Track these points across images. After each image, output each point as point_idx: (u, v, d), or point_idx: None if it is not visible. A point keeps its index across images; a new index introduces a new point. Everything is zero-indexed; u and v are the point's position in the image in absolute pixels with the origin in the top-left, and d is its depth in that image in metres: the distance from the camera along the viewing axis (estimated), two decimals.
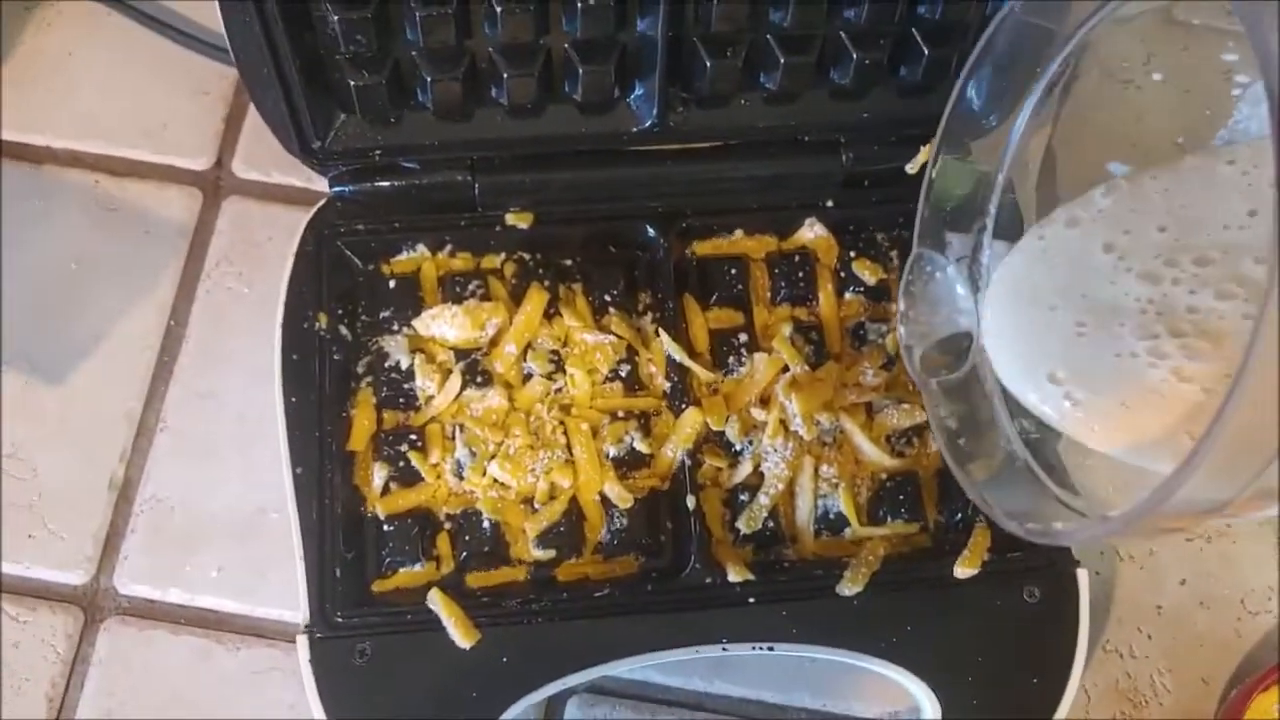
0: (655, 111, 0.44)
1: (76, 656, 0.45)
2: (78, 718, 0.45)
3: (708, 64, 0.42)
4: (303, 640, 0.40)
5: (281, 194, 0.52)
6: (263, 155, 0.52)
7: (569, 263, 0.46)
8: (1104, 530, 0.31)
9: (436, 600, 0.40)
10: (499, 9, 0.39)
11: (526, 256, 0.46)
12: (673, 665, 0.45)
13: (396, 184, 0.45)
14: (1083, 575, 0.42)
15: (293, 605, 0.45)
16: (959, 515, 0.44)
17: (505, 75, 0.42)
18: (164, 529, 0.47)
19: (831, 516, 0.44)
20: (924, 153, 0.45)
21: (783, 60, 0.42)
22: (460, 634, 0.40)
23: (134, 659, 0.45)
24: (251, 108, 0.53)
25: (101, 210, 0.51)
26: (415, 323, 0.44)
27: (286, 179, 0.52)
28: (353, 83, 0.41)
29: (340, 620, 0.41)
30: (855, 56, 0.42)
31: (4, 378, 0.48)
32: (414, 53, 0.41)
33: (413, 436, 0.43)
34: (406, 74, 0.42)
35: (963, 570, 0.42)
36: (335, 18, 0.39)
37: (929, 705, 0.41)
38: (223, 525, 0.47)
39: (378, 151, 0.44)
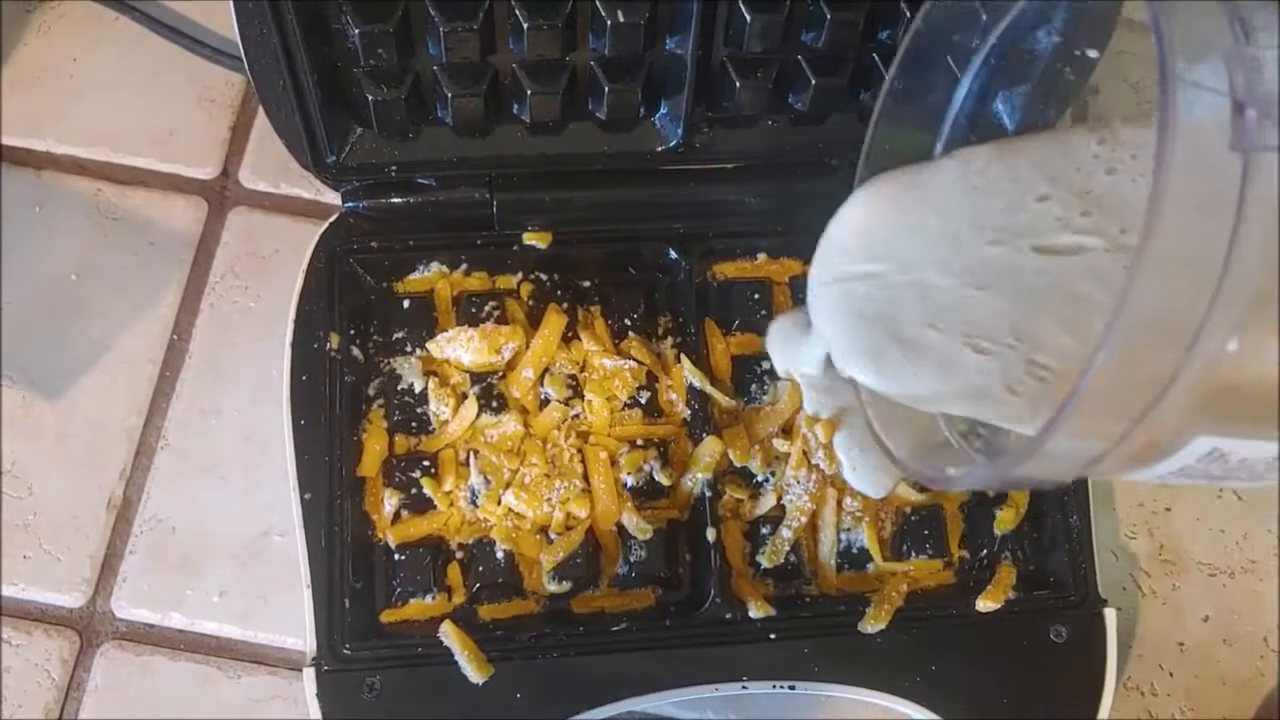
0: (680, 131, 0.43)
1: (71, 682, 0.44)
2: None
3: (737, 84, 0.41)
4: (309, 673, 0.39)
5: (289, 206, 0.51)
6: (270, 166, 0.51)
7: (587, 284, 0.45)
8: (988, 472, 0.31)
9: (449, 633, 0.39)
10: (526, 25, 0.38)
11: (544, 277, 0.45)
12: (687, 700, 0.44)
13: (412, 200, 0.44)
14: (1110, 615, 0.42)
15: (297, 632, 0.44)
16: (984, 551, 0.43)
17: (529, 92, 0.40)
18: (164, 551, 0.45)
19: (854, 551, 0.42)
20: None
21: (814, 81, 0.41)
22: (473, 668, 0.39)
23: (131, 685, 0.44)
24: (260, 116, 0.52)
25: (104, 219, 0.50)
26: (429, 345, 0.43)
27: (295, 190, 0.51)
28: (371, 97, 0.40)
29: (348, 653, 0.39)
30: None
31: (2, 391, 0.47)
32: (435, 68, 0.40)
33: (425, 463, 0.42)
34: (426, 89, 0.41)
35: (985, 604, 0.41)
36: (356, 31, 0.38)
37: None
38: (225, 548, 0.45)
39: (393, 167, 0.43)
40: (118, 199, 0.50)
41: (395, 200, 0.44)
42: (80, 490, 0.46)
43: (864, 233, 0.36)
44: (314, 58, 0.38)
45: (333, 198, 0.50)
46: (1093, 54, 0.37)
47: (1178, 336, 0.23)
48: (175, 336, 0.48)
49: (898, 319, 0.34)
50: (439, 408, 0.42)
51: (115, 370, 0.48)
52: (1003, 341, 0.33)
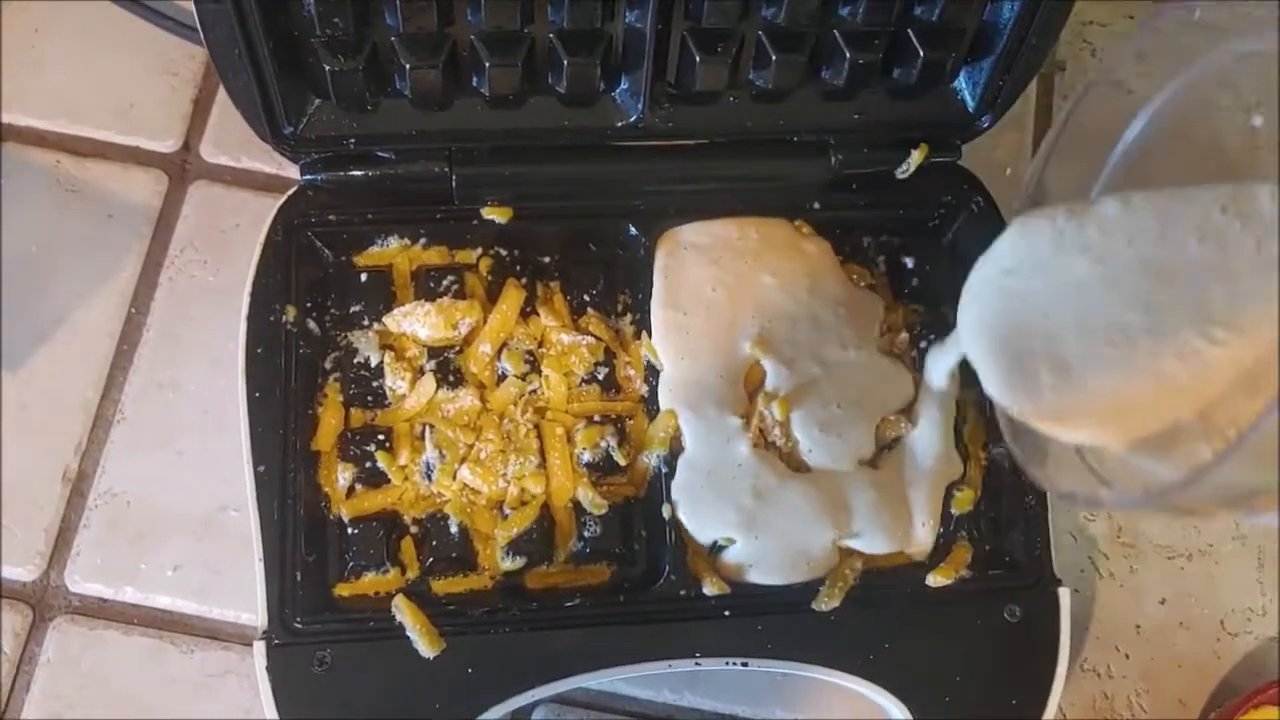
0: (641, 107, 0.42)
1: (23, 656, 0.44)
2: (23, 719, 0.43)
3: (697, 59, 0.41)
4: (259, 646, 0.39)
5: (250, 180, 0.50)
6: (232, 140, 0.51)
7: (547, 260, 0.45)
8: (1144, 499, 0.30)
9: (401, 608, 0.39)
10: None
11: (503, 252, 0.45)
12: (643, 677, 0.44)
13: (370, 173, 0.43)
14: (1064, 594, 0.42)
15: (251, 607, 0.44)
16: (940, 531, 0.43)
17: (487, 65, 0.40)
18: (119, 525, 0.45)
19: None
20: (916, 155, 0.44)
21: (774, 57, 0.41)
22: (425, 643, 0.39)
23: (84, 659, 0.44)
24: (222, 90, 0.51)
25: (63, 191, 0.49)
26: (386, 319, 0.43)
27: (256, 165, 0.50)
28: (328, 68, 0.40)
29: (300, 626, 0.39)
30: (849, 56, 0.41)
31: None
32: (393, 38, 0.40)
33: (380, 436, 0.42)
34: (384, 60, 0.41)
35: (935, 579, 0.41)
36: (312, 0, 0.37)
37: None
38: (180, 522, 0.45)
39: (352, 140, 0.42)
40: (77, 171, 0.50)
41: (354, 173, 0.43)
42: (35, 463, 0.46)
43: (1023, 255, 0.36)
44: (270, 26, 0.38)
45: (294, 172, 0.49)
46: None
47: None
48: (133, 309, 0.48)
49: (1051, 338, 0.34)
50: (395, 382, 0.42)
51: (73, 342, 0.47)
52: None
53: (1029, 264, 0.35)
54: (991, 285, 0.36)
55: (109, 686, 0.43)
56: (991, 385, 0.35)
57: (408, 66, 0.40)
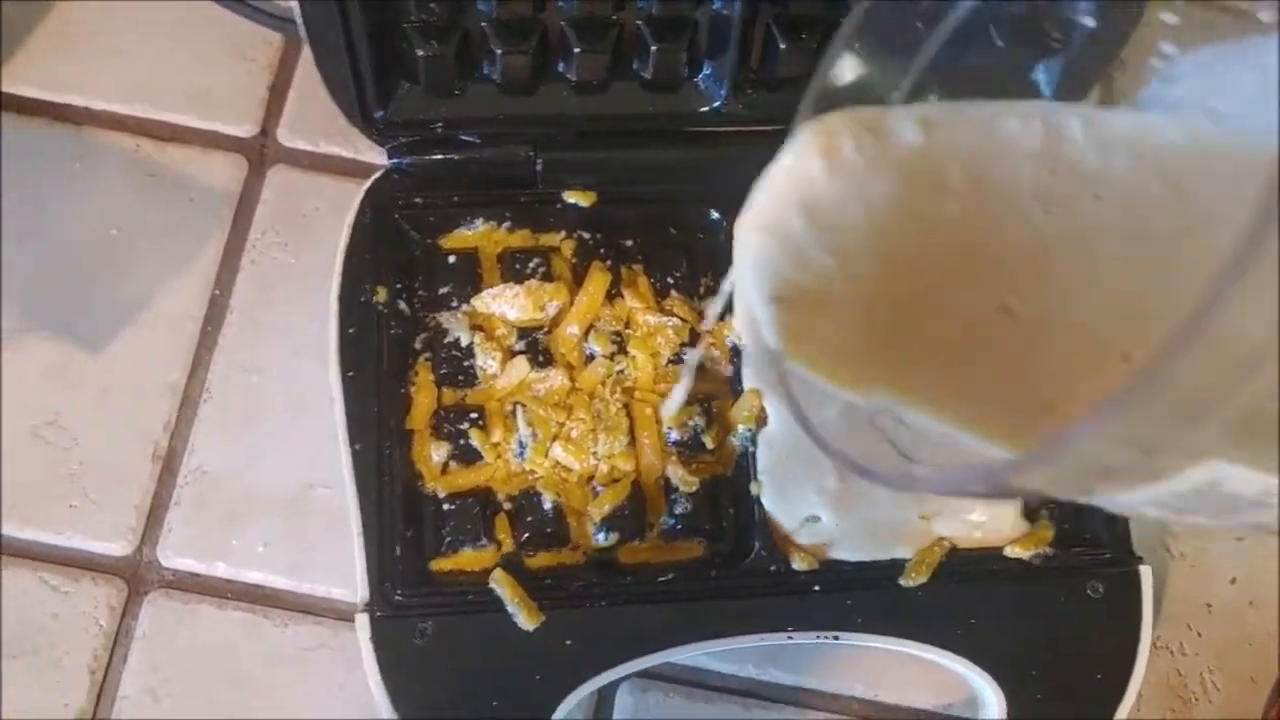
0: (724, 93, 0.43)
1: (119, 629, 0.45)
2: (121, 692, 0.44)
3: (781, 45, 0.41)
4: (363, 619, 0.40)
5: (328, 164, 0.51)
6: (308, 124, 0.51)
7: (630, 243, 0.45)
8: (974, 474, 0.25)
9: (500, 581, 0.40)
10: None
11: (586, 235, 0.45)
12: (725, 652, 0.45)
13: (456, 157, 0.44)
14: (1146, 571, 0.42)
15: (341, 583, 0.45)
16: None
17: (577, 50, 0.41)
18: (208, 502, 0.46)
19: None
20: None
21: None
22: (524, 616, 0.39)
23: (179, 633, 0.44)
24: (298, 76, 0.52)
25: (143, 176, 0.50)
26: (475, 300, 0.43)
27: (333, 149, 0.51)
28: (420, 52, 0.40)
29: (400, 599, 0.40)
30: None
31: (44, 345, 0.47)
32: (484, 24, 0.40)
33: (473, 415, 0.42)
34: (474, 46, 0.41)
35: (1014, 550, 0.42)
36: None
37: (994, 699, 0.41)
38: (268, 500, 0.46)
39: (439, 124, 0.43)
40: (157, 155, 0.50)
41: (440, 157, 0.44)
42: (125, 442, 0.46)
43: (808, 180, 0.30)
44: (368, 12, 0.38)
45: (371, 157, 0.50)
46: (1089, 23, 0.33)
47: (1223, 369, 0.19)
48: (216, 292, 0.49)
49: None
50: (486, 361, 0.43)
51: (157, 325, 0.48)
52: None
53: (824, 182, 0.29)
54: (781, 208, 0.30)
55: (204, 659, 0.44)
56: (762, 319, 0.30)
57: (499, 52, 0.41)
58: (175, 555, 0.45)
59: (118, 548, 0.45)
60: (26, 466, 0.45)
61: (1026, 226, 0.29)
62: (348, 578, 0.45)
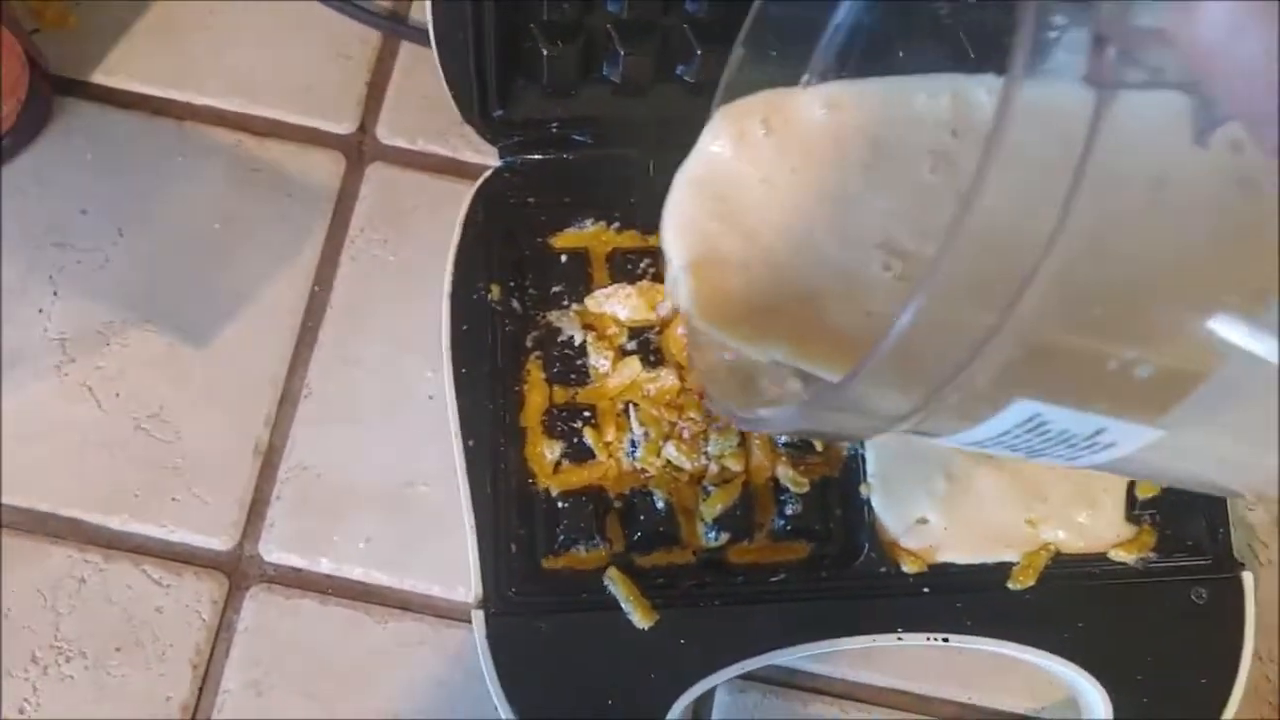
0: None
1: (221, 623, 0.45)
2: (223, 686, 0.44)
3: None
4: (478, 616, 0.40)
5: (426, 163, 0.51)
6: (407, 122, 0.51)
7: None
8: (793, 414, 0.26)
9: (615, 579, 0.40)
10: None
11: None
12: (821, 654, 0.45)
13: (567, 157, 0.44)
14: (1248, 578, 0.43)
15: (440, 580, 0.45)
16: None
17: (698, 52, 0.41)
18: (310, 498, 0.46)
19: None
20: None
21: None
22: (639, 614, 0.40)
23: (281, 628, 0.45)
24: (396, 74, 0.52)
25: (245, 171, 0.50)
26: (587, 300, 0.44)
27: (430, 147, 0.51)
28: (545, 52, 0.41)
29: (515, 597, 0.40)
30: None
31: (149, 338, 0.47)
32: (609, 25, 0.41)
33: (586, 413, 0.42)
34: (596, 46, 0.42)
35: (1117, 553, 0.42)
36: None
37: (1100, 703, 0.41)
38: (370, 496, 0.46)
39: (554, 124, 0.43)
40: (258, 150, 0.50)
41: (552, 156, 0.44)
42: (227, 436, 0.46)
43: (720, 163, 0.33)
44: (499, 10, 0.39)
45: (467, 155, 0.51)
46: None
47: (995, 296, 0.20)
48: (316, 287, 0.49)
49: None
50: (598, 360, 0.43)
51: (258, 319, 0.48)
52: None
53: (734, 161, 0.32)
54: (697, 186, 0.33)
55: (307, 654, 0.44)
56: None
57: (623, 53, 0.41)
58: (277, 550, 0.45)
59: (220, 542, 0.45)
60: (131, 460, 0.46)
61: (923, 192, 0.31)
62: (447, 575, 0.45)
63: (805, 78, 0.33)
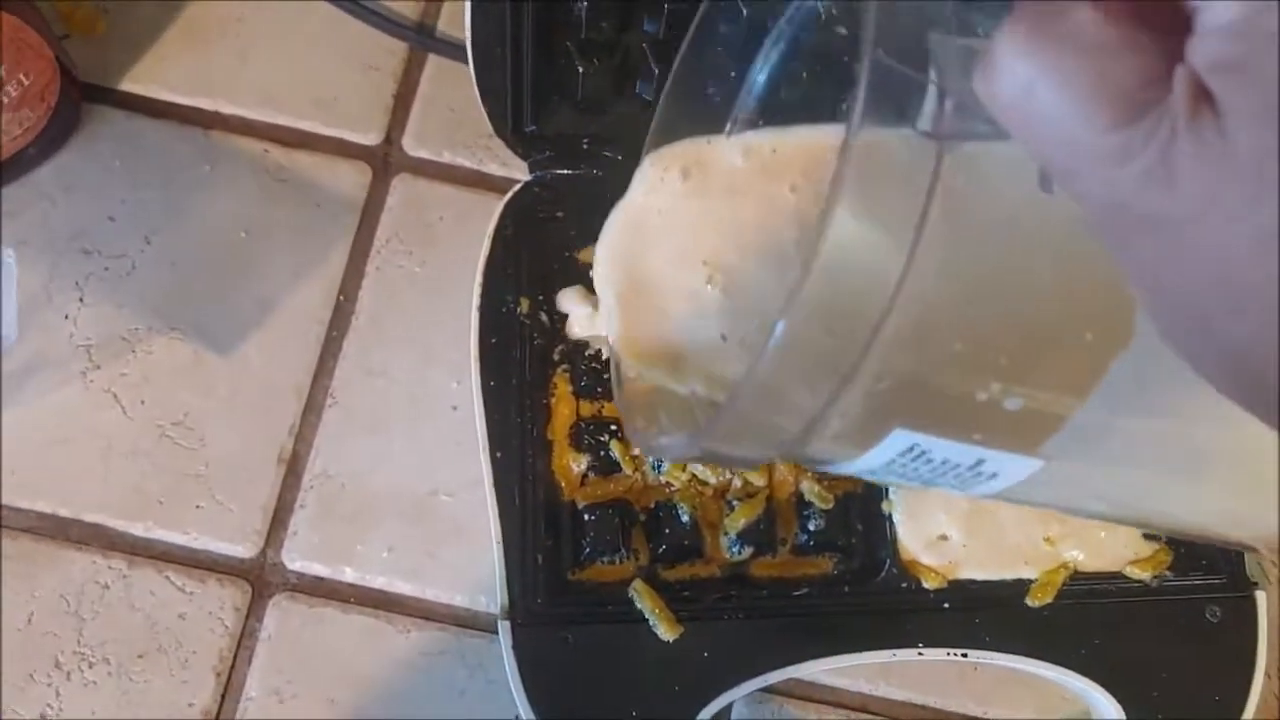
0: None
1: (244, 631, 0.45)
2: (246, 693, 0.44)
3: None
4: (505, 626, 0.40)
5: (453, 175, 0.51)
6: (433, 134, 0.52)
7: None
8: (685, 441, 0.28)
9: (640, 592, 0.41)
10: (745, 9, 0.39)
11: None
12: (841, 667, 0.46)
13: (598, 173, 0.45)
14: (1262, 597, 0.44)
15: (463, 590, 0.45)
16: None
17: (732, 73, 0.42)
18: (333, 506, 0.46)
19: None
20: None
21: None
22: (664, 627, 0.40)
23: (303, 636, 0.45)
24: (423, 85, 0.53)
25: (271, 180, 0.50)
26: None
27: (458, 160, 0.51)
28: (581, 69, 0.41)
29: (541, 608, 0.40)
30: None
31: (175, 345, 0.47)
32: (644, 44, 0.41)
33: (613, 426, 0.43)
34: (631, 64, 0.42)
35: (1133, 570, 0.43)
36: (584, 1, 0.39)
37: (1115, 718, 0.42)
38: (393, 505, 0.46)
39: (586, 140, 0.44)
40: (285, 160, 0.51)
41: (581, 172, 0.45)
42: (251, 444, 0.47)
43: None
44: (539, 25, 0.39)
45: (493, 169, 0.51)
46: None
47: (853, 332, 0.22)
48: (342, 297, 0.49)
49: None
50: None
51: (283, 328, 0.48)
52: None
53: (656, 206, 0.35)
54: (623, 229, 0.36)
55: (329, 663, 0.44)
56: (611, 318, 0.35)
57: (657, 71, 0.41)
58: (300, 558, 0.46)
59: (243, 549, 0.46)
60: (155, 466, 0.46)
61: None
62: (469, 585, 0.45)
63: (728, 126, 0.36)
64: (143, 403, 0.46)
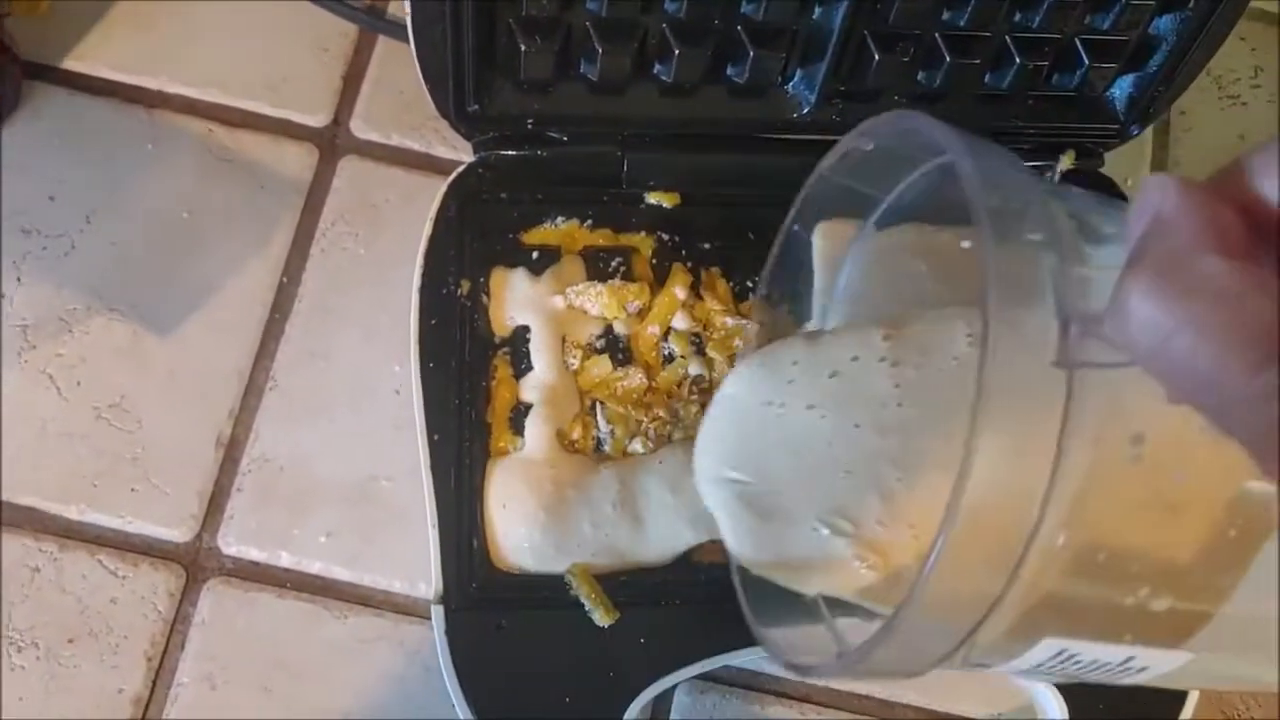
0: (812, 101, 0.44)
1: (177, 616, 0.44)
2: (177, 679, 0.43)
3: (875, 58, 0.42)
4: (438, 611, 0.40)
5: (400, 158, 0.51)
6: (381, 116, 0.51)
7: (708, 246, 0.46)
8: (838, 666, 0.30)
9: (577, 577, 0.40)
10: None
11: (666, 237, 0.46)
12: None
13: (542, 154, 0.44)
14: None
15: (401, 576, 0.45)
16: None
17: (676, 53, 0.41)
18: (271, 490, 0.46)
19: None
20: (1064, 160, 0.46)
21: (948, 60, 0.42)
22: (600, 613, 0.40)
23: (237, 621, 0.44)
24: (372, 68, 0.52)
25: (216, 160, 0.49)
26: (557, 297, 0.44)
27: (406, 142, 0.51)
28: (523, 48, 0.41)
29: (476, 593, 0.40)
30: (1019, 61, 0.43)
31: (113, 325, 0.46)
32: (588, 23, 0.41)
33: None
34: (575, 44, 0.42)
35: None
36: None
37: (1056, 707, 0.42)
38: (332, 490, 0.46)
39: (529, 120, 0.43)
40: (229, 141, 0.50)
41: (526, 153, 0.44)
42: (189, 427, 0.46)
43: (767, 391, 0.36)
44: (478, 4, 0.39)
45: (442, 151, 0.51)
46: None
47: (1000, 558, 0.23)
48: (285, 279, 0.48)
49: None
50: (566, 358, 0.43)
51: (225, 309, 0.48)
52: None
53: (770, 401, 0.35)
54: (731, 424, 0.36)
55: (263, 649, 0.44)
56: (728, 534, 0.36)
57: (600, 51, 0.41)
58: (236, 543, 0.45)
59: (178, 534, 0.45)
60: (90, 449, 0.45)
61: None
62: (408, 571, 0.45)
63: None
64: (79, 384, 0.46)
